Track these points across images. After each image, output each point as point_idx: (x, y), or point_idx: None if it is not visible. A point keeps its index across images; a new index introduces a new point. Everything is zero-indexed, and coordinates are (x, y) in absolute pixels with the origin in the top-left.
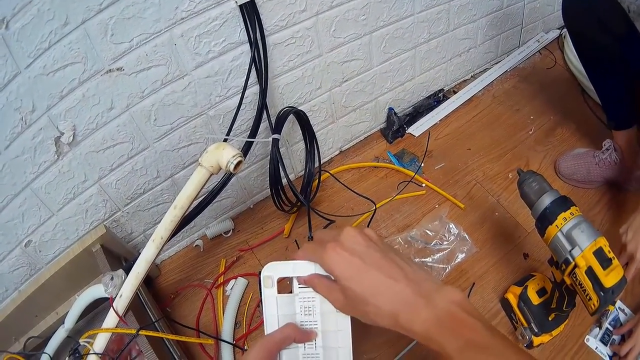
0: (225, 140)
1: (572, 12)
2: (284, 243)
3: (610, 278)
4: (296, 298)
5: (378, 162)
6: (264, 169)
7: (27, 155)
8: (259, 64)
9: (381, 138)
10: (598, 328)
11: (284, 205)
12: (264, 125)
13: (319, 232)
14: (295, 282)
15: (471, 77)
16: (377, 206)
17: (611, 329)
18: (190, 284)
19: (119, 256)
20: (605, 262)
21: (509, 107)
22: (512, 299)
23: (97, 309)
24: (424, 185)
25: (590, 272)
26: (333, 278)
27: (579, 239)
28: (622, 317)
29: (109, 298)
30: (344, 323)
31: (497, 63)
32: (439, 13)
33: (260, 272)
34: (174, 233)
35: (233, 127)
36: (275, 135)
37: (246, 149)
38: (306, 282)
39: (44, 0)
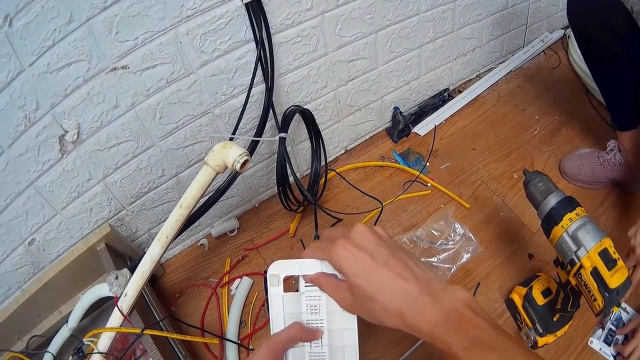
0: (231, 139)
1: (577, 12)
2: (289, 242)
3: (615, 279)
4: (302, 297)
5: (383, 161)
6: (270, 167)
7: (31, 153)
8: (265, 62)
9: (386, 137)
10: (601, 329)
11: (291, 204)
12: (269, 124)
13: (328, 230)
14: (301, 281)
15: (476, 76)
16: (383, 204)
17: (614, 329)
18: (195, 283)
19: (123, 255)
20: (611, 263)
21: (514, 107)
22: (517, 299)
23: (101, 308)
24: (429, 184)
25: (595, 272)
26: (340, 276)
27: (585, 240)
28: (625, 316)
29: (113, 297)
30: (350, 322)
31: (502, 63)
32: (445, 12)
33: (265, 272)
34: (180, 232)
35: (239, 126)
36: (282, 134)
37: (252, 148)
38: (312, 280)
39: None
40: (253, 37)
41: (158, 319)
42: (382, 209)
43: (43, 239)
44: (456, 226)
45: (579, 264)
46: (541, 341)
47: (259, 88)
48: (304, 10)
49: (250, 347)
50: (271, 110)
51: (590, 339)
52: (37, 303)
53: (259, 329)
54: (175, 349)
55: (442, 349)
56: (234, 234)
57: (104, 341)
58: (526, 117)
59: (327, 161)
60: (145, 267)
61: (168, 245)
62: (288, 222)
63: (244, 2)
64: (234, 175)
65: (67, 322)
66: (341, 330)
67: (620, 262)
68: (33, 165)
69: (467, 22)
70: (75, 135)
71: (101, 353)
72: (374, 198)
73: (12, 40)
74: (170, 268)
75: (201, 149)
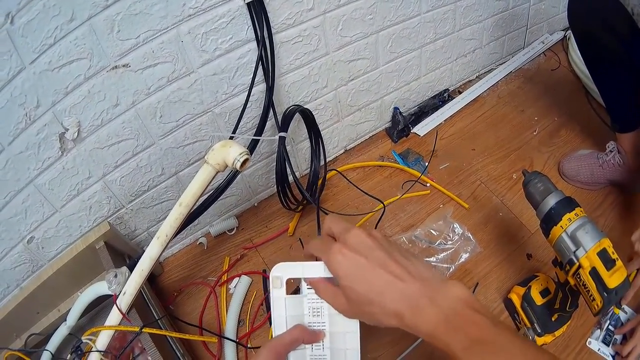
0: (231, 138)
1: (577, 13)
2: (288, 241)
3: (614, 279)
4: (305, 299)
5: (383, 161)
6: (269, 167)
7: (31, 151)
8: (266, 62)
9: (386, 137)
10: (599, 330)
11: (291, 203)
12: (269, 124)
13: (329, 218)
14: (303, 284)
15: (476, 77)
16: (385, 204)
17: (612, 329)
18: (194, 281)
19: (122, 253)
20: (609, 263)
21: (513, 108)
22: (516, 299)
23: (100, 306)
24: (428, 184)
25: (594, 272)
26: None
27: (584, 240)
28: (623, 316)
29: (111, 295)
30: (353, 325)
31: (502, 64)
32: (446, 13)
33: (264, 270)
34: (179, 231)
35: (239, 125)
36: (282, 134)
37: (252, 147)
38: (311, 284)
39: None
40: (254, 36)
41: (156, 318)
42: (384, 209)
43: (42, 237)
44: (455, 226)
45: (577, 263)
46: (539, 341)
47: (260, 87)
48: (306, 10)
49: (249, 345)
50: (271, 110)
51: (589, 339)
52: (35, 301)
53: (258, 328)
54: (174, 347)
55: (442, 349)
56: (232, 232)
57: (103, 339)
58: (526, 118)
59: (327, 161)
60: (144, 266)
61: (167, 244)
62: (287, 221)
63: (246, 2)
64: (234, 174)
65: (65, 320)
66: (343, 333)
67: (619, 263)
68: (33, 163)
69: (468, 23)
70: (76, 133)
71: (99, 351)
72: (377, 199)
73: (13, 37)
74: (169, 267)
75: (201, 147)
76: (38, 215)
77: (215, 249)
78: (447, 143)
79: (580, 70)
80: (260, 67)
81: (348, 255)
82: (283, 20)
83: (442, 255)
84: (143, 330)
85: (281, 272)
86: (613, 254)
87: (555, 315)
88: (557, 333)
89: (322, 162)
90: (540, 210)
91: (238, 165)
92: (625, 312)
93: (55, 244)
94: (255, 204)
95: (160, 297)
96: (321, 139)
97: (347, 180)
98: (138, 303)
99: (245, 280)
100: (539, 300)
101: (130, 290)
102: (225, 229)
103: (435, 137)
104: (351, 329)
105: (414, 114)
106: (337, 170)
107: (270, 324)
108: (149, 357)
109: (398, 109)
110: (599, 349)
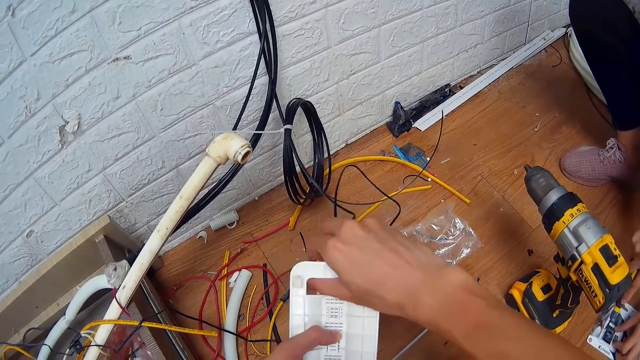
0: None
1: (579, 11)
2: (288, 235)
3: (616, 275)
4: (323, 299)
5: (384, 155)
6: (270, 160)
7: (31, 144)
8: (269, 55)
9: (387, 132)
10: (599, 327)
11: (299, 196)
12: (272, 116)
13: (323, 223)
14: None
15: (477, 72)
16: (384, 199)
17: (613, 326)
18: (194, 275)
19: (122, 247)
20: (612, 259)
21: (514, 104)
22: (517, 295)
23: (99, 300)
24: (429, 179)
25: (596, 268)
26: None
27: (586, 236)
28: (623, 314)
29: (110, 289)
30: (372, 327)
31: (503, 59)
32: (447, 8)
33: (264, 264)
34: (179, 224)
35: (241, 118)
36: (288, 126)
37: (255, 140)
38: (310, 285)
39: None
40: (256, 29)
41: (156, 312)
42: (399, 209)
43: (41, 230)
44: (456, 221)
45: (579, 259)
46: None
47: (261, 80)
48: (308, 3)
49: (249, 338)
50: (275, 103)
51: (590, 336)
52: (34, 295)
53: (258, 322)
54: (173, 341)
55: (445, 337)
56: (233, 226)
57: (102, 333)
58: (527, 114)
59: (330, 154)
60: (144, 259)
61: (167, 237)
62: (288, 215)
63: None
64: (237, 167)
65: (64, 315)
66: (361, 336)
67: (621, 259)
68: (33, 156)
69: (470, 18)
70: (76, 126)
71: (99, 345)
72: (392, 199)
73: (14, 30)
74: (168, 260)
75: (202, 141)
76: (37, 209)
77: (215, 242)
78: (449, 138)
79: (581, 67)
80: (262, 60)
81: (343, 250)
82: (285, 13)
83: (443, 250)
84: (142, 324)
85: (302, 271)
86: (615, 250)
87: (557, 312)
88: (558, 329)
89: (325, 155)
90: (542, 206)
91: (239, 158)
92: (626, 310)
93: (54, 237)
94: (256, 198)
95: (159, 291)
96: (323, 131)
97: (361, 172)
98: (137, 297)
99: (245, 274)
100: (540, 296)
101: (130, 284)
102: (226, 223)
103: (439, 131)
104: (370, 332)
105: (415, 108)
106: (353, 165)
107: (271, 318)
108: (149, 352)
109: (399, 103)
110: (600, 346)
